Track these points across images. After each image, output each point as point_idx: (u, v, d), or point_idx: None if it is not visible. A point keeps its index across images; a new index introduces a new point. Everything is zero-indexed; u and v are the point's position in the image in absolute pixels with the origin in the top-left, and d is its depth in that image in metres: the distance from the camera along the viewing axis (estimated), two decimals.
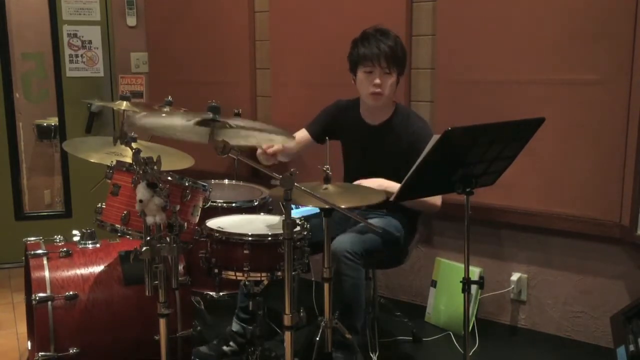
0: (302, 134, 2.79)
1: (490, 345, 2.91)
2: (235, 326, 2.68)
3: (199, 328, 2.54)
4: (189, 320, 2.45)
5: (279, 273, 2.11)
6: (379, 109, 2.61)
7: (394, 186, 2.36)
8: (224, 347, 2.65)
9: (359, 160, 2.71)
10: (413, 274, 3.36)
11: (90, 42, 4.03)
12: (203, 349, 2.64)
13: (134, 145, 2.09)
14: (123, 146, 2.18)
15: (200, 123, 2.02)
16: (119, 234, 2.30)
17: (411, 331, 2.95)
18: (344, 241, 2.38)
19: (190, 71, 3.96)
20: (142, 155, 1.95)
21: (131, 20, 4.12)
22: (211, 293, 2.83)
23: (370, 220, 2.41)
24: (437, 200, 2.54)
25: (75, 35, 4.00)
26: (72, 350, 2.27)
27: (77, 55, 4.03)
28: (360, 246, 2.38)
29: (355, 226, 2.59)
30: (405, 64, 2.60)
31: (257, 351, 2.33)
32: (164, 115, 1.92)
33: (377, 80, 2.50)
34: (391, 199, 2.17)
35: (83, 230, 2.53)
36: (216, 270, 2.16)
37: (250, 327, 2.41)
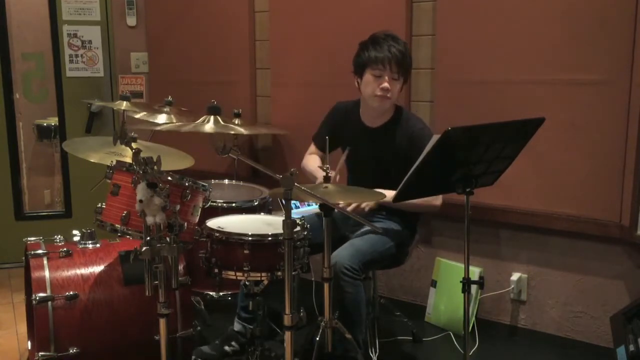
0: (314, 150, 2.83)
1: (490, 345, 2.91)
2: (237, 326, 2.68)
3: (199, 328, 2.53)
4: (189, 320, 2.45)
5: (279, 273, 2.11)
6: (380, 111, 2.61)
7: (391, 195, 2.37)
8: (226, 347, 2.65)
9: (360, 162, 2.70)
10: (413, 274, 3.35)
11: (90, 42, 4.03)
12: (204, 348, 2.64)
13: (134, 145, 2.08)
14: (123, 146, 2.17)
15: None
16: (119, 234, 2.29)
17: (411, 331, 2.95)
18: (343, 256, 2.37)
19: (190, 71, 3.96)
20: (142, 155, 1.95)
21: (131, 20, 4.12)
22: (211, 293, 2.84)
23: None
24: (436, 200, 2.53)
25: (75, 35, 4.00)
26: (72, 350, 2.27)
27: (77, 55, 4.03)
28: (358, 260, 2.37)
29: (355, 232, 2.59)
30: (410, 71, 2.61)
31: (257, 351, 2.33)
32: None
33: (386, 85, 2.49)
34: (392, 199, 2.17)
35: (83, 230, 2.53)
36: (216, 270, 2.16)
37: (252, 327, 2.41)
